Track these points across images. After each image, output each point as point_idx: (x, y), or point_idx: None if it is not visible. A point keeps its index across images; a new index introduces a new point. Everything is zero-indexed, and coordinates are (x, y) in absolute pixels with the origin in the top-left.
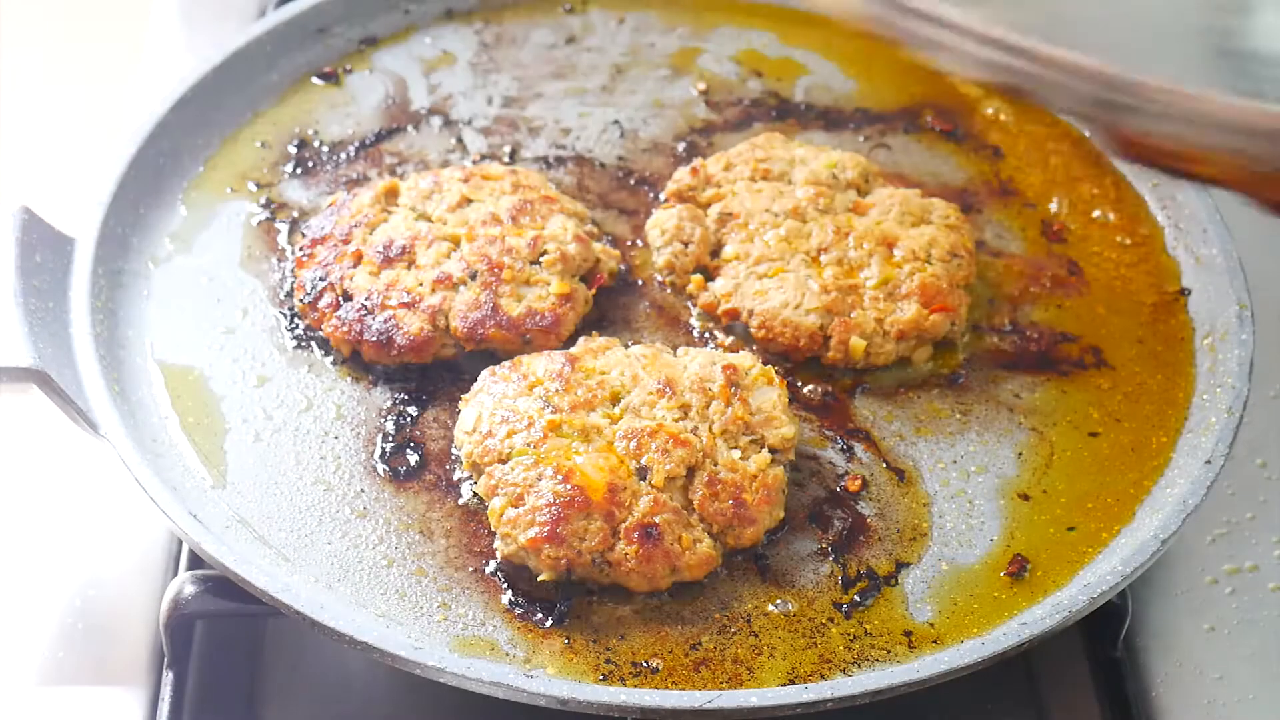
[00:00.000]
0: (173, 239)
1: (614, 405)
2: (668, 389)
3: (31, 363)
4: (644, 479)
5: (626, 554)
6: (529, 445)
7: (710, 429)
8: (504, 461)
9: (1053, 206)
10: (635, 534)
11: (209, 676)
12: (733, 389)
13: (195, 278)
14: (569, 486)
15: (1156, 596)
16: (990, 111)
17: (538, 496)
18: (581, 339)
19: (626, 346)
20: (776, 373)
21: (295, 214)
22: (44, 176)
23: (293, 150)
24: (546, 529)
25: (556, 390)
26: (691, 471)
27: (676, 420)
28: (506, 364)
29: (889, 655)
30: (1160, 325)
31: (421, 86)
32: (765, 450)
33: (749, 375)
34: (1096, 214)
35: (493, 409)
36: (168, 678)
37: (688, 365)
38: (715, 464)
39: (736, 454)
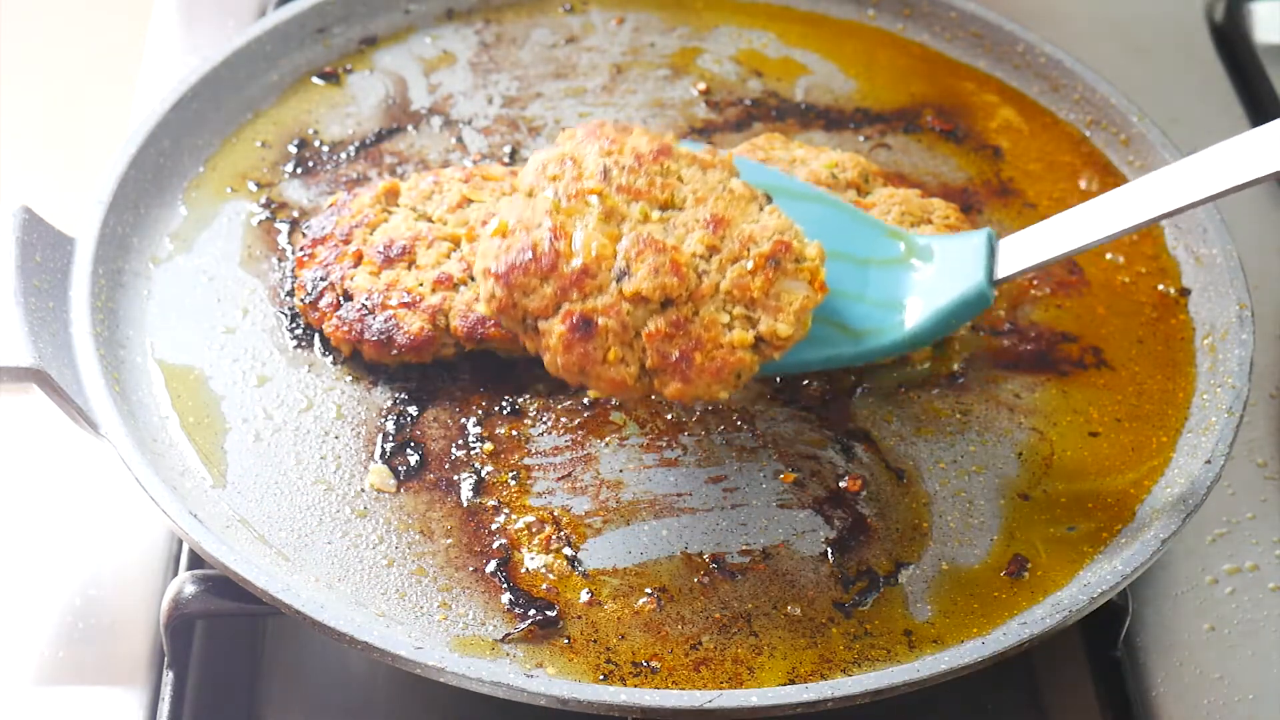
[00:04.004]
0: (173, 239)
1: (659, 208)
2: (713, 226)
3: (32, 362)
4: (618, 281)
5: (553, 331)
6: (560, 196)
7: (718, 282)
8: (531, 195)
9: (1052, 207)
10: (573, 319)
11: (209, 676)
12: (769, 262)
13: (196, 277)
14: (548, 245)
15: (1156, 596)
16: (992, 112)
17: (522, 237)
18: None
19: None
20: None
21: (295, 214)
22: (44, 176)
23: (293, 150)
24: (504, 268)
25: (627, 167)
26: (667, 304)
27: (694, 255)
28: (612, 125)
29: (889, 655)
30: (1160, 325)
31: (421, 86)
32: (751, 332)
33: (795, 262)
34: None
35: (570, 153)
36: (168, 678)
37: (762, 220)
38: (695, 312)
39: (725, 318)
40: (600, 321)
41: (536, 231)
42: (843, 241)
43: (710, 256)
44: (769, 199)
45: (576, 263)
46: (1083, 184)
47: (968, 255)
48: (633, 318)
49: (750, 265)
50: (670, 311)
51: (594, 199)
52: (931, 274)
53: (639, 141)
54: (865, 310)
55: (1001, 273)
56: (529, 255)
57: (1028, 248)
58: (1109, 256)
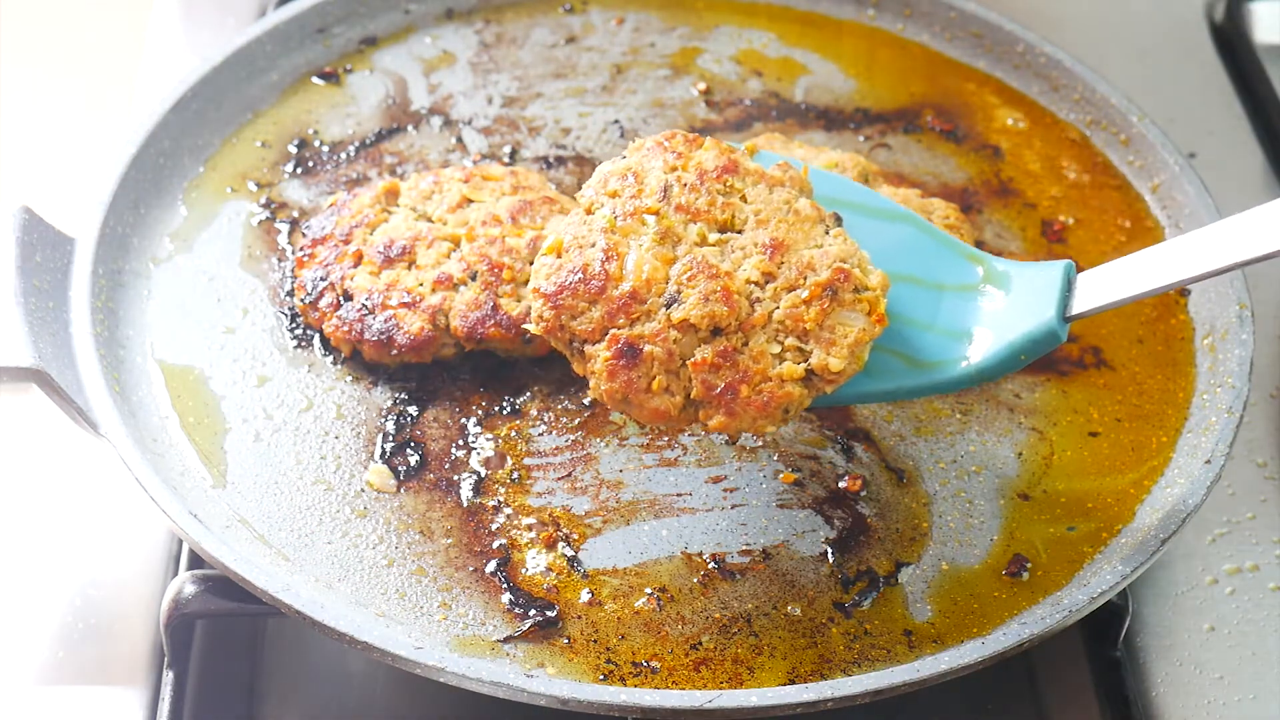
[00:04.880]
0: (173, 239)
1: (718, 230)
2: (771, 250)
3: (32, 362)
4: (668, 306)
5: (599, 356)
6: (617, 214)
7: (771, 311)
8: (590, 212)
9: (1052, 206)
10: (619, 345)
11: (209, 676)
12: (826, 291)
13: (196, 277)
14: (599, 267)
15: (1156, 596)
16: (992, 112)
17: (575, 258)
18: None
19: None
20: (879, 319)
21: (295, 214)
22: (44, 176)
23: (293, 150)
24: (553, 289)
25: (689, 184)
26: (716, 332)
27: (749, 281)
28: (681, 137)
29: (889, 655)
30: (1160, 325)
31: (421, 86)
32: (802, 365)
33: (854, 292)
34: (1096, 214)
35: (634, 167)
36: (168, 678)
37: (825, 245)
38: (745, 341)
39: (775, 349)
40: (646, 349)
41: (589, 252)
42: (919, 265)
43: (766, 283)
44: (838, 220)
45: (626, 286)
46: (1083, 184)
47: (1042, 288)
48: (680, 346)
49: (805, 294)
50: (719, 341)
51: (651, 219)
52: (1004, 304)
53: (706, 156)
54: (933, 340)
55: (1077, 309)
56: (579, 276)
57: (1107, 283)
58: (1109, 255)
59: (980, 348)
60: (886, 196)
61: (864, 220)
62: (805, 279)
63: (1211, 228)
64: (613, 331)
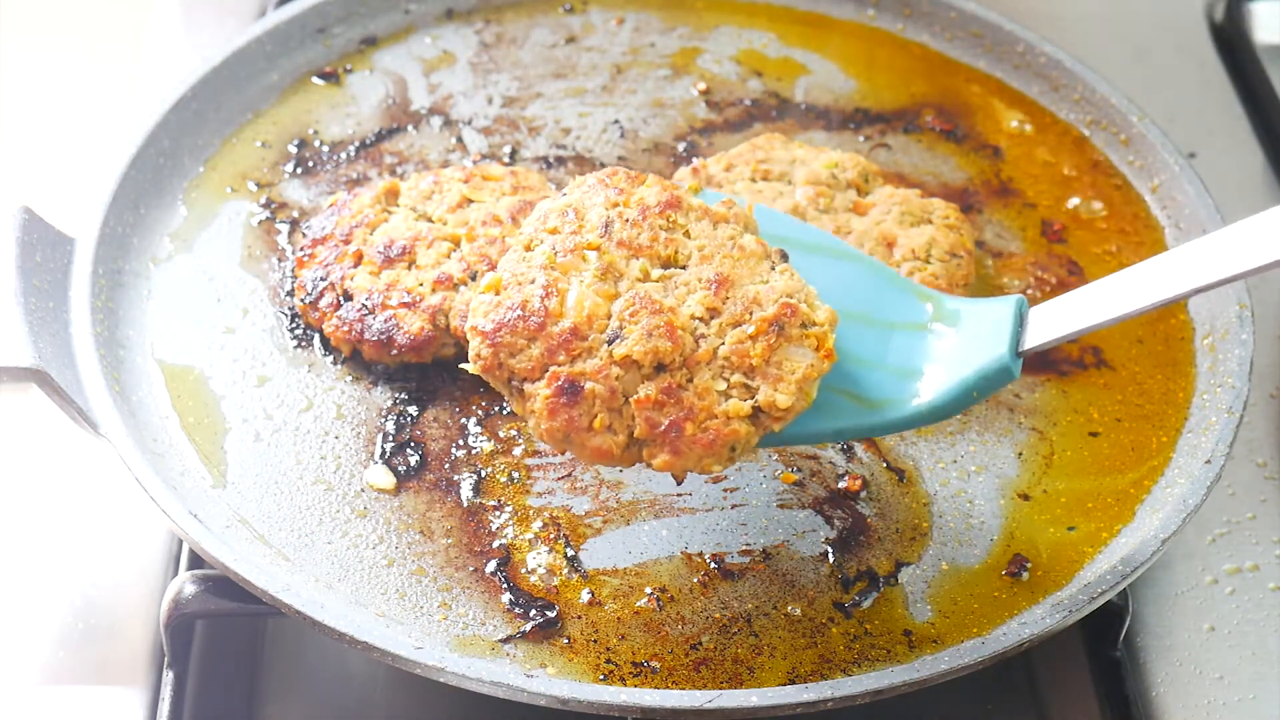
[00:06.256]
0: (173, 239)
1: (661, 266)
2: (716, 286)
3: (32, 362)
4: (610, 343)
5: (539, 395)
6: (556, 250)
7: (716, 347)
8: (529, 249)
9: (1052, 206)
10: (559, 383)
11: (209, 676)
12: (772, 327)
13: (196, 277)
14: (539, 304)
15: (1156, 596)
16: (991, 112)
17: (514, 294)
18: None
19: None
20: (827, 353)
21: (295, 214)
22: (44, 176)
23: (293, 150)
24: (491, 326)
25: (630, 220)
26: (660, 369)
27: (694, 316)
28: (623, 175)
29: (889, 655)
30: (1160, 325)
31: (421, 86)
32: (748, 402)
33: (801, 327)
34: (1096, 214)
35: (574, 204)
36: (168, 678)
37: (771, 280)
38: (689, 378)
39: (721, 385)
40: (588, 386)
41: (529, 288)
42: (867, 302)
43: (710, 319)
44: (784, 256)
45: (566, 323)
46: (1083, 184)
47: (994, 323)
48: (623, 383)
49: (751, 330)
50: (663, 378)
51: (592, 254)
52: (956, 341)
53: (648, 193)
54: (882, 379)
55: (1029, 343)
56: (518, 313)
57: (1057, 318)
58: (1109, 256)
59: (932, 385)
60: (885, 195)
61: (811, 258)
62: (751, 314)
63: (1158, 259)
64: (553, 369)
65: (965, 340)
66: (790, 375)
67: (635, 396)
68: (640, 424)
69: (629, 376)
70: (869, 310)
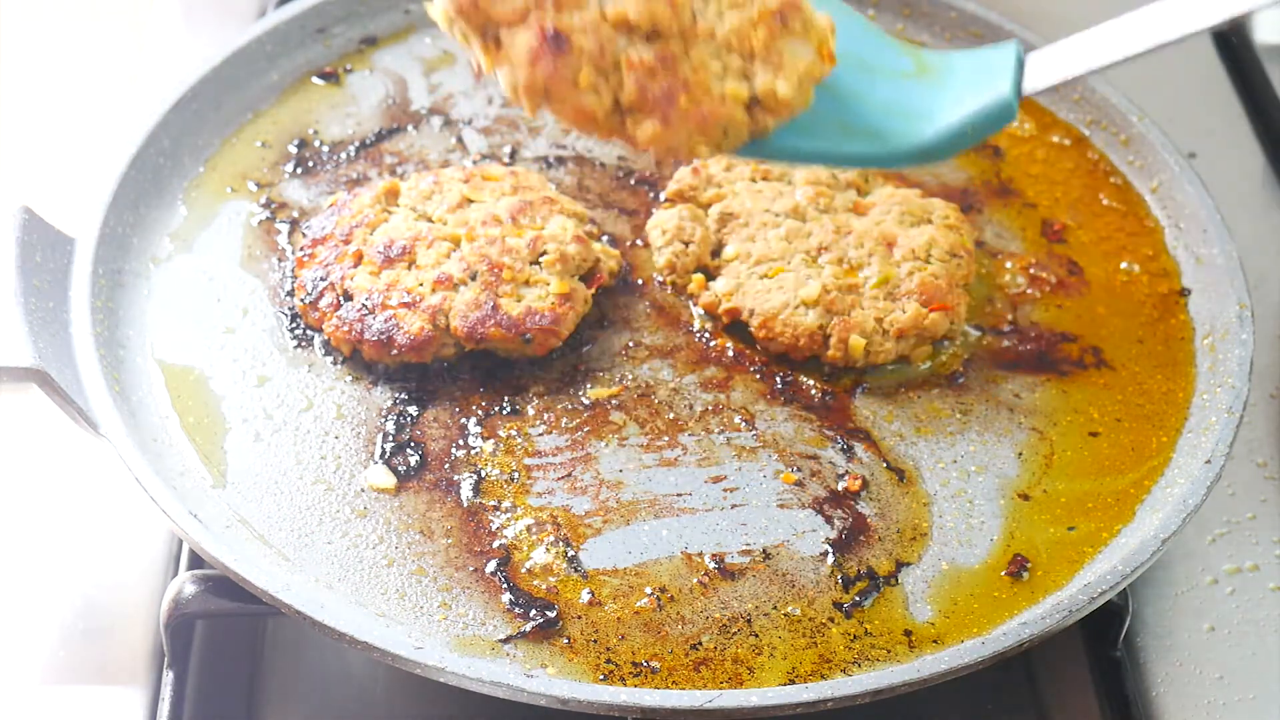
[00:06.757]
0: (173, 239)
1: None
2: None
3: (32, 362)
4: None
5: (519, 42)
6: None
7: (715, 28)
8: None
9: (1052, 206)
10: (544, 30)
11: (209, 676)
12: (776, 17)
13: (196, 277)
14: None
15: (1156, 596)
16: None
17: None
18: None
19: None
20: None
21: (295, 214)
22: (44, 176)
23: (293, 150)
24: None
25: None
26: (654, 36)
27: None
28: None
29: (889, 655)
30: (1160, 325)
31: (421, 86)
32: (746, 86)
33: (802, 24)
34: (1096, 214)
35: None
36: (168, 678)
37: None
38: (685, 51)
39: (716, 65)
40: (575, 39)
41: None
42: (852, 42)
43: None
44: None
45: None
46: (1083, 184)
47: (994, 67)
48: (613, 44)
49: (754, 15)
50: (657, 44)
51: None
52: (951, 85)
53: None
54: (871, 112)
55: (1029, 87)
56: None
57: (1057, 62)
58: (1109, 256)
59: (926, 121)
60: (885, 195)
61: None
62: (753, 1)
63: (1158, 4)
64: (537, 15)
65: (965, 83)
66: (792, 68)
67: (628, 58)
68: (630, 89)
69: (621, 38)
70: (860, 51)
